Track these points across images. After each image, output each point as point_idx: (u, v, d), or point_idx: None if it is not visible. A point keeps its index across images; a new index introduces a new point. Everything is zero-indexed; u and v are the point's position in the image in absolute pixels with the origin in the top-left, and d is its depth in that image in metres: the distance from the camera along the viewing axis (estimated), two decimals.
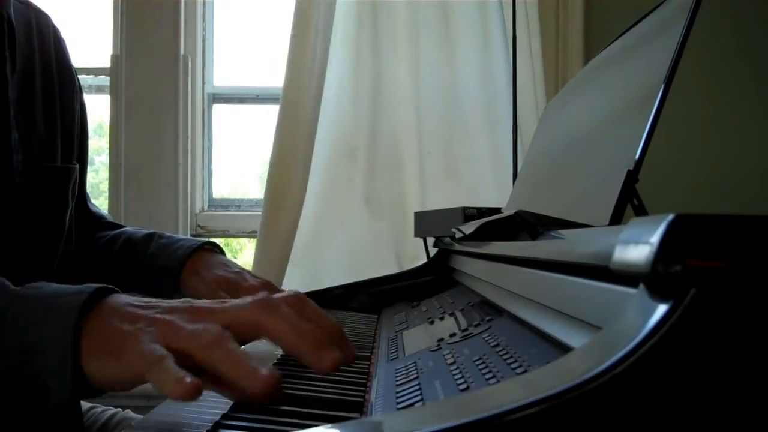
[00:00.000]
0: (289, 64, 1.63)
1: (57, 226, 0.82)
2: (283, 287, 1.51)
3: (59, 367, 0.44)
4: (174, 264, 0.82)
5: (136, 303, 0.48)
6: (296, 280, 1.58)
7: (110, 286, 0.49)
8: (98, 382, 0.46)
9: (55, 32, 0.87)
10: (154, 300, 0.49)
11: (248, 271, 0.82)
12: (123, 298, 0.49)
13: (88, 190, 1.01)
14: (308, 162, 1.63)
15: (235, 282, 0.79)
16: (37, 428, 0.73)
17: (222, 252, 0.87)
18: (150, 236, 0.89)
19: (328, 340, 0.48)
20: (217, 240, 2.00)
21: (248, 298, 0.48)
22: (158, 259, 0.84)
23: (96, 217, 0.99)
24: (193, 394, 0.41)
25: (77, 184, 0.88)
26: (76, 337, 0.45)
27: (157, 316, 0.46)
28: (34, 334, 0.45)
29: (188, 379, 0.41)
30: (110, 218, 1.02)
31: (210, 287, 0.79)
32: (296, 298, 0.50)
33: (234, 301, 0.49)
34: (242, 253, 2.35)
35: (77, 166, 0.86)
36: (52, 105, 0.82)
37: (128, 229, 0.96)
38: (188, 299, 0.50)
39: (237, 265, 0.84)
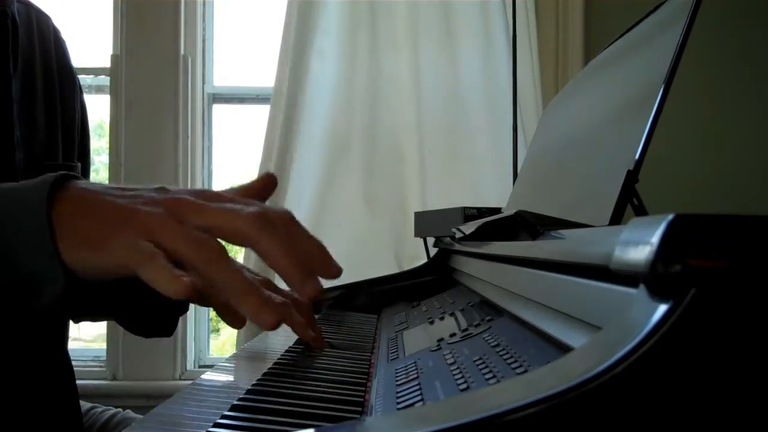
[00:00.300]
0: (280, 64, 1.63)
1: None
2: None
3: (41, 254, 0.43)
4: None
5: (106, 191, 0.46)
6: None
7: (69, 173, 0.47)
8: (83, 271, 0.44)
9: (56, 33, 0.87)
10: (126, 185, 0.47)
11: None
12: (85, 185, 0.47)
13: None
14: (294, 162, 1.63)
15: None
16: (37, 427, 0.73)
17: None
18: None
19: (315, 264, 0.47)
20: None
21: (245, 207, 0.45)
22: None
23: None
24: (189, 292, 0.40)
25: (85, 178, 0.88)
26: (52, 232, 0.43)
27: (140, 207, 0.44)
28: (8, 235, 0.43)
29: (185, 278, 0.40)
30: None
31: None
32: (289, 217, 0.48)
33: (228, 205, 0.46)
34: (242, 252, 2.35)
35: (79, 164, 0.86)
36: (53, 104, 0.83)
37: None
38: (164, 186, 0.47)
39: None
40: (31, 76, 0.80)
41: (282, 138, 1.65)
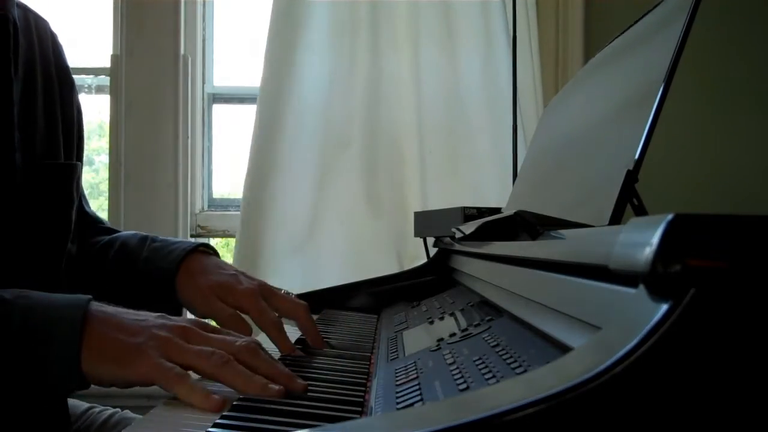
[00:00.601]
0: (266, 64, 1.64)
1: (64, 223, 0.83)
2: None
3: (66, 369, 0.53)
4: (168, 267, 0.81)
5: (123, 315, 0.58)
6: (296, 280, 1.57)
7: (89, 296, 0.58)
8: (97, 382, 0.55)
9: (53, 37, 0.88)
10: (133, 312, 0.59)
11: (242, 273, 0.82)
12: (105, 308, 0.58)
13: (88, 190, 1.02)
14: (292, 162, 1.63)
15: (229, 286, 0.79)
16: (25, 425, 0.73)
17: (216, 253, 0.87)
18: (143, 240, 0.90)
19: (277, 380, 0.56)
20: (217, 240, 2.00)
21: (214, 351, 0.57)
22: (153, 263, 0.84)
23: (92, 221, 0.98)
24: (221, 408, 0.52)
25: (80, 181, 0.89)
26: (79, 346, 0.54)
27: (155, 332, 0.57)
28: (43, 343, 0.53)
29: (216, 396, 0.53)
30: (107, 223, 1.01)
31: (204, 294, 0.79)
32: (253, 349, 0.59)
33: (199, 348, 0.57)
34: (234, 252, 2.35)
35: (79, 164, 0.87)
36: (52, 106, 0.84)
37: (123, 233, 0.95)
38: (164, 318, 0.60)
39: (231, 267, 0.84)
40: (32, 79, 0.81)
41: (282, 138, 1.65)
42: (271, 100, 1.64)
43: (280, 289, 0.82)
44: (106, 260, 0.91)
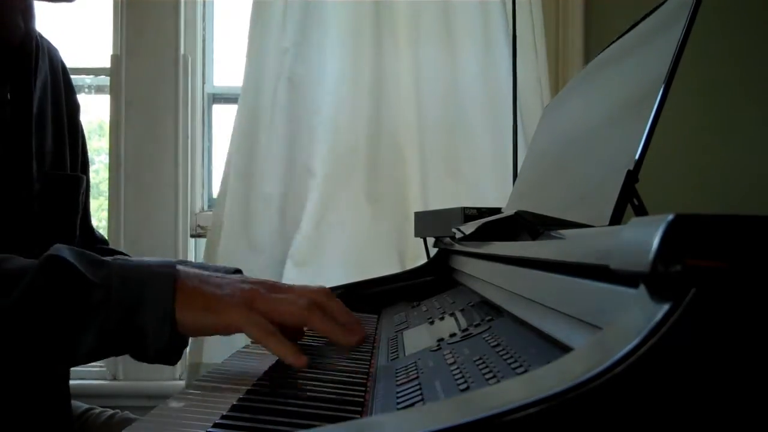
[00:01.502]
0: (247, 64, 1.64)
1: (69, 231, 0.88)
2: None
3: (162, 318, 0.58)
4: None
5: (206, 273, 0.65)
6: (298, 280, 1.58)
7: (173, 260, 0.64)
8: (189, 330, 0.61)
9: (63, 64, 0.95)
10: (212, 273, 0.66)
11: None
12: (190, 269, 0.64)
13: None
14: (294, 163, 1.64)
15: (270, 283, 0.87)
16: (27, 425, 0.73)
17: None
18: (180, 262, 0.95)
19: (354, 328, 0.67)
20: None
21: (298, 299, 0.64)
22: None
23: (95, 238, 1.02)
24: (306, 364, 0.60)
25: (86, 194, 0.95)
26: (173, 296, 0.59)
27: (239, 285, 0.63)
28: (140, 295, 0.58)
29: (304, 355, 0.60)
30: (108, 245, 1.06)
31: None
32: (327, 294, 0.68)
33: (285, 296, 0.65)
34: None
35: (84, 177, 0.92)
36: (60, 124, 0.89)
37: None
38: (243, 276, 0.69)
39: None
40: (44, 96, 0.86)
41: (282, 138, 1.65)
42: (265, 100, 1.64)
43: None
44: None
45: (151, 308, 0.59)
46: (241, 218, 1.63)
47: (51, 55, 0.90)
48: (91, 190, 1.04)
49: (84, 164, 0.97)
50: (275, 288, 0.66)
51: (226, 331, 0.61)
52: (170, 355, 0.61)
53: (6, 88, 0.79)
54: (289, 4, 1.66)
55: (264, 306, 0.62)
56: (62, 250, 0.59)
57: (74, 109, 0.94)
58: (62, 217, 0.86)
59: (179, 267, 0.62)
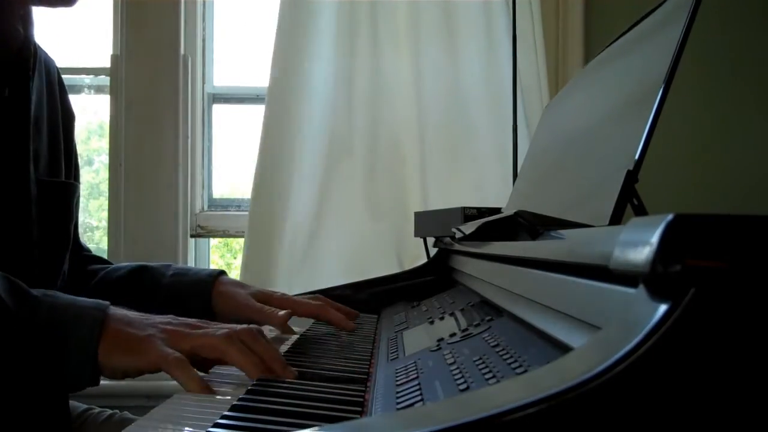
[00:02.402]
0: (274, 63, 1.64)
1: (65, 238, 0.89)
2: (275, 286, 1.52)
3: (83, 361, 0.59)
4: (205, 279, 0.90)
5: (135, 315, 0.65)
6: (297, 280, 1.58)
7: (107, 302, 0.64)
8: (110, 373, 0.62)
9: (59, 75, 0.96)
10: (144, 314, 0.66)
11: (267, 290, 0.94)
12: (121, 311, 0.64)
13: (88, 190, 1.04)
14: (294, 162, 1.63)
15: (265, 293, 0.92)
16: (26, 425, 0.74)
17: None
18: (166, 265, 0.97)
19: (271, 363, 0.63)
20: (216, 240, 2.00)
21: (216, 330, 0.64)
22: (186, 277, 0.91)
23: (82, 247, 1.03)
24: (208, 391, 0.59)
25: (78, 202, 0.96)
26: (98, 341, 0.60)
27: (161, 326, 0.64)
28: (63, 337, 0.59)
29: (202, 381, 0.59)
30: (90, 252, 1.06)
31: (246, 299, 0.89)
32: (254, 332, 0.65)
33: (203, 331, 0.65)
34: (242, 252, 2.34)
35: (78, 184, 0.93)
36: (55, 132, 0.90)
37: (122, 264, 1.00)
38: (170, 317, 0.67)
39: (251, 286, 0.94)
40: (39, 100, 0.86)
41: (283, 138, 1.65)
42: (278, 102, 1.64)
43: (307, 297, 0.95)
44: (111, 280, 0.96)
45: (74, 351, 0.59)
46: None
47: (47, 65, 0.92)
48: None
49: (76, 173, 0.98)
50: (198, 326, 0.66)
51: (147, 369, 0.62)
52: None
53: (4, 91, 0.80)
54: (287, 3, 1.66)
55: (183, 342, 0.63)
56: None
57: (69, 119, 0.95)
58: (58, 224, 0.87)
59: (110, 311, 0.63)
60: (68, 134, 0.93)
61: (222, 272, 0.94)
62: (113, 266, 0.99)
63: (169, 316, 0.67)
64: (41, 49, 0.91)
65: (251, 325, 0.67)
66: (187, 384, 0.59)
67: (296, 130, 1.65)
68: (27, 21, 0.84)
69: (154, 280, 0.94)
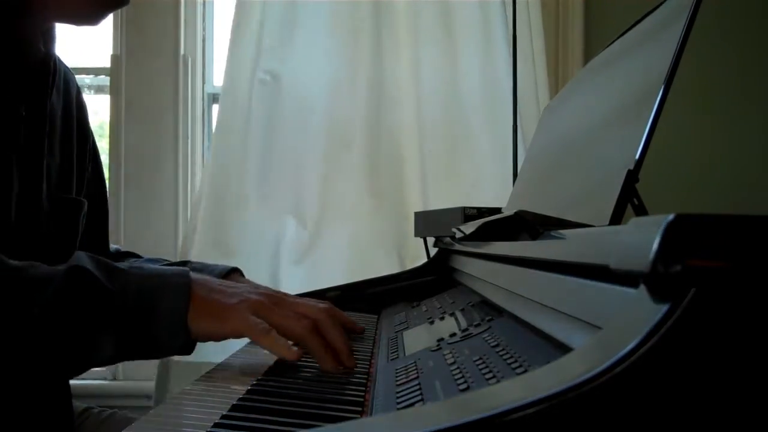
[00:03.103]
0: (228, 63, 1.64)
1: (70, 253, 0.87)
2: (278, 286, 1.52)
3: (176, 327, 0.62)
4: (218, 275, 0.90)
5: (215, 282, 0.69)
6: (298, 280, 1.58)
7: (187, 268, 0.67)
8: (200, 337, 0.64)
9: (78, 91, 0.96)
10: (225, 282, 0.71)
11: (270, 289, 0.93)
12: (201, 276, 0.68)
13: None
14: (296, 163, 1.64)
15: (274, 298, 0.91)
16: (28, 425, 0.74)
17: (243, 275, 0.95)
18: (183, 263, 0.97)
19: (341, 356, 0.66)
20: None
21: (301, 318, 0.67)
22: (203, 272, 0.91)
23: (114, 255, 1.04)
24: (298, 357, 0.63)
25: (105, 213, 1.00)
26: (187, 306, 0.63)
27: (246, 295, 0.67)
28: (155, 305, 0.62)
29: (295, 348, 0.64)
30: (122, 249, 1.09)
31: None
32: (331, 314, 0.70)
33: (287, 312, 0.68)
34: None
35: (86, 202, 0.93)
36: (69, 149, 0.91)
37: (145, 261, 1.02)
38: (248, 285, 0.73)
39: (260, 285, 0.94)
40: (53, 117, 0.87)
41: (280, 138, 1.65)
42: (271, 100, 1.64)
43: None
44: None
45: (165, 317, 0.62)
46: (230, 219, 1.63)
47: (67, 79, 0.92)
48: None
49: (101, 185, 1.01)
50: (281, 302, 0.69)
51: (232, 335, 0.65)
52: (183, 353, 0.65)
53: (22, 107, 0.80)
54: (287, 3, 1.66)
55: (268, 316, 0.65)
56: (83, 258, 0.62)
57: (85, 136, 0.96)
58: (66, 239, 0.88)
59: (193, 276, 0.66)
60: (81, 153, 0.94)
61: (235, 269, 0.93)
62: (138, 262, 1.00)
63: (246, 284, 0.72)
64: (62, 63, 0.91)
65: (329, 307, 0.71)
66: (279, 351, 0.63)
67: (299, 131, 1.65)
68: (49, 38, 0.85)
69: None
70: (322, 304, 0.71)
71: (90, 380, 1.73)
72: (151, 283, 0.63)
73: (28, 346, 0.59)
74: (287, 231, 1.64)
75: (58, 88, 0.89)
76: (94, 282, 0.61)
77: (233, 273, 0.92)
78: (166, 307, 0.62)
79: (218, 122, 1.66)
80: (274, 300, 0.69)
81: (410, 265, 1.39)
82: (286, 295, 0.74)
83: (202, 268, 0.94)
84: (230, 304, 0.65)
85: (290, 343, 0.64)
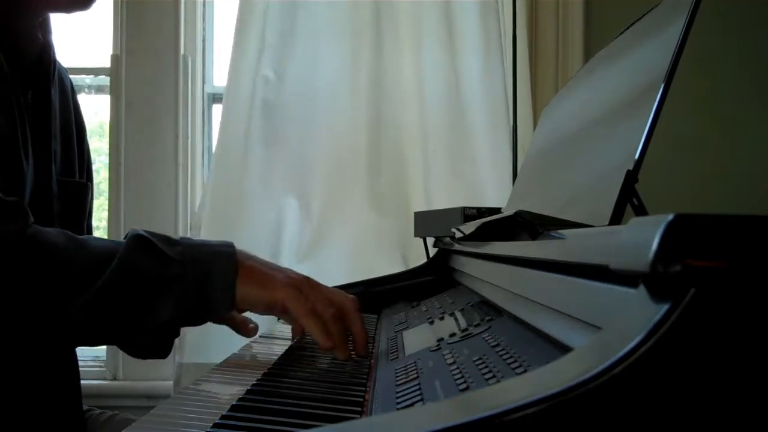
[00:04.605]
0: (231, 64, 1.64)
1: (79, 232, 0.90)
2: None
3: (227, 291, 0.67)
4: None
5: (256, 256, 0.73)
6: None
7: (230, 241, 0.72)
8: (245, 303, 0.69)
9: (73, 88, 0.98)
10: (259, 258, 0.74)
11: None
12: (243, 250, 0.71)
13: None
14: (297, 163, 1.64)
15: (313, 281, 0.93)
16: (39, 427, 0.75)
17: None
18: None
19: (359, 345, 0.71)
20: None
21: (331, 307, 0.71)
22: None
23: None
24: (331, 347, 0.67)
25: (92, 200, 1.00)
26: (236, 272, 0.68)
27: (285, 271, 0.72)
28: (208, 270, 0.67)
29: (333, 338, 0.68)
30: None
31: None
32: (352, 306, 0.74)
33: (314, 302, 0.70)
34: None
35: (90, 185, 0.96)
36: (69, 135, 0.93)
37: None
38: (285, 267, 0.76)
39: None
40: (54, 106, 0.89)
41: (286, 139, 1.65)
42: (274, 100, 1.64)
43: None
44: None
45: (218, 282, 0.67)
46: (231, 218, 1.63)
47: (61, 74, 0.94)
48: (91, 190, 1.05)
49: (89, 175, 1.02)
50: (317, 286, 0.73)
51: (274, 305, 0.69)
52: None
53: (28, 95, 0.83)
54: (290, 3, 1.66)
55: (307, 292, 0.70)
56: (137, 230, 0.67)
57: (82, 129, 0.98)
58: (74, 219, 0.90)
59: (236, 248, 0.71)
60: (81, 142, 0.97)
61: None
62: None
63: (283, 266, 0.76)
64: (58, 62, 0.93)
65: (354, 299, 0.74)
66: (317, 335, 0.67)
67: (301, 131, 1.65)
68: (45, 28, 0.87)
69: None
70: (350, 296, 0.75)
71: (90, 380, 1.73)
72: (203, 251, 0.68)
73: (95, 311, 0.63)
74: (289, 230, 1.64)
75: (55, 80, 0.90)
76: (156, 250, 0.66)
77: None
78: (219, 273, 0.67)
79: (222, 122, 1.66)
80: (311, 283, 0.73)
81: (413, 265, 1.39)
82: (316, 282, 0.77)
83: (202, 243, 0.95)
84: (274, 276, 0.70)
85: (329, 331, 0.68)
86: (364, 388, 0.58)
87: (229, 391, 0.58)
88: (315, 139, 1.65)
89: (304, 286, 0.71)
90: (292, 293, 0.68)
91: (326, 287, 0.75)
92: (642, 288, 0.28)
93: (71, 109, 0.95)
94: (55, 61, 0.88)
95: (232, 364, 0.72)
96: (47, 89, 0.86)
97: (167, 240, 0.68)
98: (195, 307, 0.66)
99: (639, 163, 0.52)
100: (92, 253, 0.65)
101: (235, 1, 1.68)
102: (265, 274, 0.70)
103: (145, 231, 0.68)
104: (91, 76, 1.94)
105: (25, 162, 0.79)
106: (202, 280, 0.66)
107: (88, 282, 0.63)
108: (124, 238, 0.67)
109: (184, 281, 0.65)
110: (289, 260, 1.62)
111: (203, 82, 1.89)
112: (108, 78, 1.81)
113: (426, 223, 1.24)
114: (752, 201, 1.65)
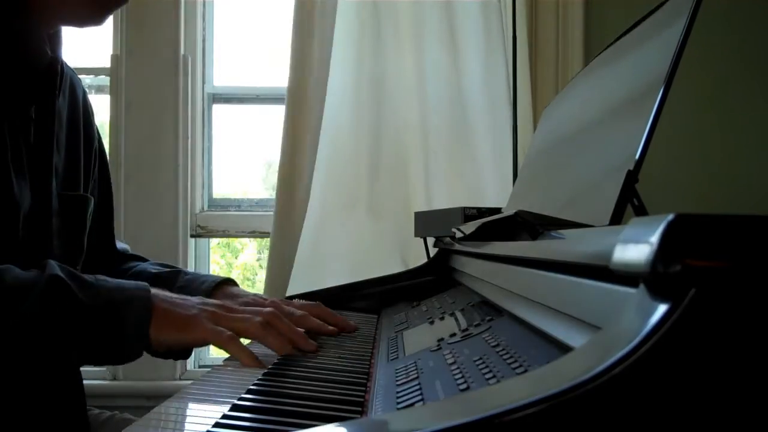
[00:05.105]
0: (293, 63, 1.64)
1: (79, 248, 0.91)
2: (289, 287, 1.53)
3: (139, 337, 0.67)
4: (206, 289, 0.91)
5: (174, 296, 0.74)
6: (301, 281, 1.57)
7: (146, 283, 0.72)
8: (163, 347, 0.71)
9: (85, 93, 0.97)
10: (178, 295, 0.75)
11: (261, 296, 0.94)
12: (160, 291, 0.73)
13: None
14: (313, 162, 1.64)
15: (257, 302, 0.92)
16: (44, 428, 0.75)
17: (237, 285, 0.97)
18: (177, 272, 0.99)
19: (296, 341, 0.74)
20: (216, 240, 2.00)
21: (254, 317, 0.74)
22: (187, 290, 0.92)
23: (121, 254, 1.06)
24: (257, 364, 0.69)
25: (110, 212, 1.03)
26: (150, 318, 0.68)
27: (202, 306, 0.73)
28: (120, 317, 0.67)
29: (254, 356, 0.70)
30: (130, 251, 1.10)
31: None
32: (275, 316, 0.76)
33: (243, 315, 0.74)
34: (243, 252, 2.35)
35: (92, 198, 0.95)
36: (75, 148, 0.92)
37: (149, 264, 1.04)
38: (200, 299, 0.76)
39: (250, 293, 0.96)
40: (60, 118, 0.89)
41: (287, 139, 1.65)
42: (295, 103, 1.65)
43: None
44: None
45: (129, 328, 0.67)
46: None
47: (73, 82, 0.93)
48: None
49: (107, 185, 1.03)
50: (232, 309, 0.75)
51: (195, 344, 0.73)
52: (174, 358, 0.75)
53: (31, 109, 0.82)
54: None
55: (225, 322, 0.72)
56: (55, 268, 0.67)
57: (91, 137, 0.97)
58: (74, 235, 0.90)
59: (153, 291, 0.71)
60: (87, 154, 0.95)
61: (228, 280, 0.94)
62: (139, 267, 1.02)
63: (198, 297, 0.77)
64: (68, 67, 0.92)
65: (273, 306, 0.78)
66: (240, 357, 0.70)
67: (303, 131, 1.65)
68: (55, 41, 0.86)
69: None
70: (267, 307, 0.77)
71: (90, 380, 1.73)
72: (116, 296, 0.68)
73: (4, 349, 0.63)
74: (289, 229, 1.64)
75: (64, 92, 0.90)
76: (69, 293, 0.65)
77: (226, 283, 0.93)
78: (131, 319, 0.67)
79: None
80: (226, 309, 0.74)
81: (414, 265, 1.39)
82: (233, 305, 0.78)
83: (194, 278, 0.95)
84: (190, 315, 0.71)
85: (250, 351, 0.71)
86: (364, 388, 0.58)
87: (230, 392, 0.59)
88: (314, 139, 1.65)
89: (220, 316, 0.72)
90: (210, 332, 0.70)
91: (244, 307, 0.77)
92: (642, 288, 0.28)
93: (80, 126, 0.94)
94: (63, 74, 0.87)
95: (233, 365, 0.72)
96: (52, 103, 0.85)
97: (82, 283, 0.67)
98: (105, 352, 0.67)
99: (639, 163, 0.52)
100: (7, 287, 0.64)
101: (235, 1, 1.68)
102: (181, 317, 0.70)
103: (61, 268, 0.67)
104: (91, 76, 1.94)
105: (20, 179, 0.79)
106: (114, 326, 0.66)
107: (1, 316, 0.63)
108: (42, 272, 0.66)
109: (94, 328, 0.66)
110: (301, 259, 1.63)
111: (203, 82, 1.89)
112: (108, 78, 1.81)
113: (426, 223, 1.24)
114: (753, 201, 1.65)
